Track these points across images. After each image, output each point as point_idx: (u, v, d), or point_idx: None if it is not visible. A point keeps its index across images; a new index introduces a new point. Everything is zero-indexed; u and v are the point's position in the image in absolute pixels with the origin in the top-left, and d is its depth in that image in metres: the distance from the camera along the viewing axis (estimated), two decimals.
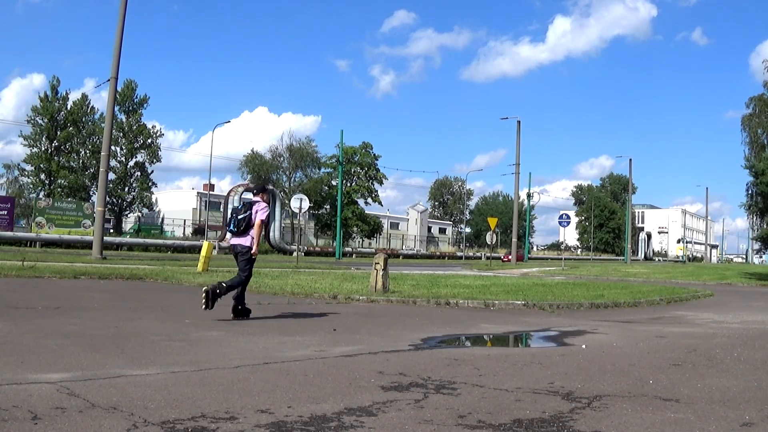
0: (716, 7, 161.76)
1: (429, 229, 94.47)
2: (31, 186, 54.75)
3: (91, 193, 53.14)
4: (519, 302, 11.57)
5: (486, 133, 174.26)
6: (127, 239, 41.90)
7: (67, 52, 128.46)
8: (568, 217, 38.52)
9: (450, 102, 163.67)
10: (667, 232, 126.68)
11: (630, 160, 65.12)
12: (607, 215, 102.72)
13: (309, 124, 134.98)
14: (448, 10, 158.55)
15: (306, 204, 26.57)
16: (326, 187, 63.76)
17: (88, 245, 30.63)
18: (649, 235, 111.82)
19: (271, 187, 51.23)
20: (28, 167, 53.53)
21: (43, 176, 53.20)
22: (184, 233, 54.48)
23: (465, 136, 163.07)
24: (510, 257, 49.59)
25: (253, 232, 8.06)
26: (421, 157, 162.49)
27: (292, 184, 61.55)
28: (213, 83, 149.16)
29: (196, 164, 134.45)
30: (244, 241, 8.12)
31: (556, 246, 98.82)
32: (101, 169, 24.46)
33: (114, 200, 55.16)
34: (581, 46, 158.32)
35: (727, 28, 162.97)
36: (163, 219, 61.60)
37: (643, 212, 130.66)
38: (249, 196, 55.50)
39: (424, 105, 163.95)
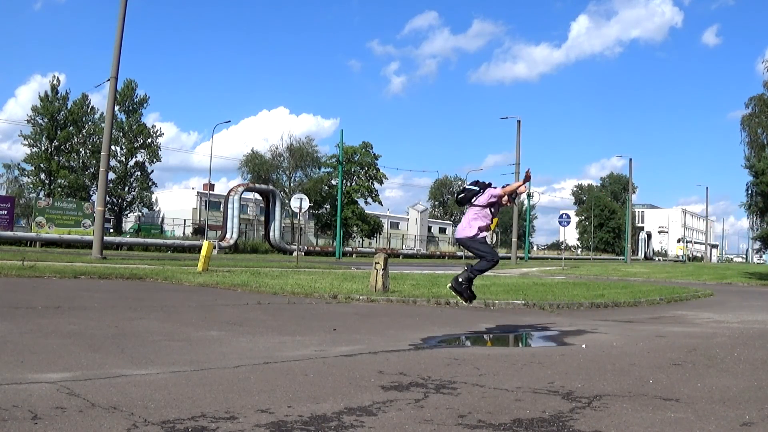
0: (729, 9, 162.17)
1: (429, 228, 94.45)
2: (31, 186, 54.75)
3: (91, 192, 53.12)
4: (519, 302, 11.58)
5: (498, 133, 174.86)
6: (127, 239, 41.87)
7: (86, 51, 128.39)
8: (568, 216, 38.51)
9: (463, 103, 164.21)
10: (667, 232, 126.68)
11: (630, 159, 65.20)
12: (607, 215, 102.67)
13: (328, 127, 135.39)
14: (468, 11, 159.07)
15: (306, 204, 26.54)
16: (326, 187, 63.77)
17: (88, 245, 30.62)
18: (649, 235, 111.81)
19: (271, 186, 51.25)
20: (28, 167, 53.54)
21: (43, 176, 53.18)
22: (184, 233, 54.47)
23: (478, 137, 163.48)
24: None
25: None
26: (434, 158, 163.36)
27: (292, 184, 61.59)
28: (230, 82, 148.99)
29: (208, 164, 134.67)
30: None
31: (556, 246, 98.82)
32: (101, 169, 24.45)
33: (114, 200, 55.15)
34: (596, 48, 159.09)
35: (737, 30, 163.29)
36: (163, 219, 61.58)
37: (643, 212, 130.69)
38: (249, 195, 55.64)
39: (437, 106, 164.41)
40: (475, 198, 7.49)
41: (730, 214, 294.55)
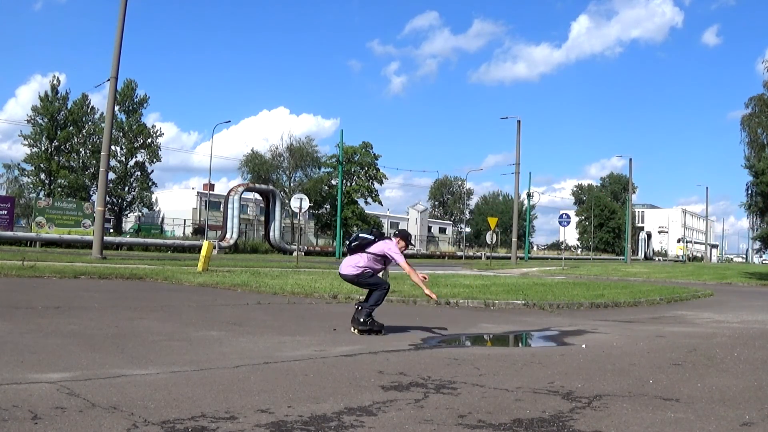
0: (729, 9, 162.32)
1: (429, 228, 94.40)
2: (31, 186, 54.70)
3: (91, 192, 53.05)
4: (519, 302, 11.57)
5: (498, 133, 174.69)
6: (127, 239, 41.84)
7: (86, 51, 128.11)
8: (568, 216, 38.49)
9: (463, 103, 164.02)
10: (667, 232, 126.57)
11: (630, 159, 65.02)
12: (607, 215, 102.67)
13: (329, 127, 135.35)
14: (468, 11, 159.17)
15: (306, 204, 26.54)
16: (326, 187, 63.78)
17: (88, 245, 30.61)
18: (649, 235, 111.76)
19: (271, 186, 51.21)
20: (28, 167, 53.50)
21: (43, 176, 53.14)
22: (184, 233, 54.46)
23: (478, 137, 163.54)
24: None
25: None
26: (434, 158, 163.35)
27: (292, 184, 61.59)
28: (230, 82, 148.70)
29: (208, 164, 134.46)
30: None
31: (556, 246, 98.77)
32: (101, 169, 24.45)
33: (114, 200, 55.10)
34: (597, 48, 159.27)
35: (737, 30, 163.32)
36: (163, 219, 61.56)
37: (643, 212, 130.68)
38: (249, 195, 55.68)
39: (437, 106, 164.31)
40: (369, 246, 7.36)
41: (730, 214, 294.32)
